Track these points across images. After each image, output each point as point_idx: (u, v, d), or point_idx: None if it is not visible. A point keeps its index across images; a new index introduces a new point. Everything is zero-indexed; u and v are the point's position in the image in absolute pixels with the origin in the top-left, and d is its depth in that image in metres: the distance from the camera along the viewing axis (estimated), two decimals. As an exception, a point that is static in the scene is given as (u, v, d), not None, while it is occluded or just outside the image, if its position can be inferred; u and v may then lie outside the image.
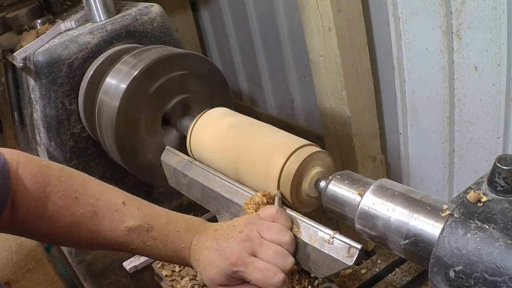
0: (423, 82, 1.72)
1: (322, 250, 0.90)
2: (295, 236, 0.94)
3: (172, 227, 0.96)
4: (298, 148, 1.00)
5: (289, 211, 0.98)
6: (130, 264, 1.64)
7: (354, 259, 0.86)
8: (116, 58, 1.43)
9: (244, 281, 0.90)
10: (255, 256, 0.89)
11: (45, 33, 1.48)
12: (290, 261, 0.89)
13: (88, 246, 0.97)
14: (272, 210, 0.94)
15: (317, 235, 0.91)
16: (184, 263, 0.98)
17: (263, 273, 0.86)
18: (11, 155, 0.91)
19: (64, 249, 1.61)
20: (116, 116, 1.31)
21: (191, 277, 1.56)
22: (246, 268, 0.87)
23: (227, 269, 0.89)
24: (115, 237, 0.94)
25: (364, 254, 0.88)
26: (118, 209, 0.95)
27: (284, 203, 0.99)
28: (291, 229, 0.94)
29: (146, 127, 1.37)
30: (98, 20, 1.52)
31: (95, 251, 1.62)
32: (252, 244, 0.89)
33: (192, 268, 0.98)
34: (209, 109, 1.24)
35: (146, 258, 1.65)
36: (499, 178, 0.67)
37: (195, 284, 1.53)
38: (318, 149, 1.01)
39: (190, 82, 1.40)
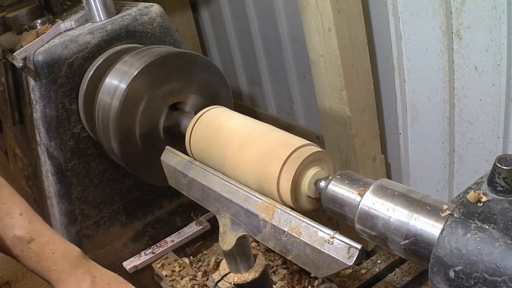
0: (423, 82, 1.72)
1: (322, 250, 0.90)
2: (295, 237, 0.94)
3: (50, 248, 1.06)
4: (298, 148, 0.99)
5: (289, 211, 0.98)
6: (130, 264, 1.65)
7: (354, 259, 0.85)
8: (116, 58, 1.44)
9: None
10: None
11: (45, 33, 1.48)
12: None
13: None
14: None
15: (317, 235, 0.91)
16: (50, 283, 1.07)
17: None
18: None
19: (64, 249, 1.62)
20: (116, 116, 1.31)
21: (191, 277, 1.56)
22: None
23: None
24: (3, 240, 1.06)
25: (364, 254, 0.88)
26: (14, 217, 1.07)
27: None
28: None
29: (146, 126, 1.37)
30: (98, 20, 1.52)
31: (94, 251, 1.62)
32: None
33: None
34: (209, 109, 1.24)
35: (146, 258, 1.66)
36: (499, 178, 0.67)
37: (195, 284, 1.54)
38: (318, 149, 1.01)
39: (190, 81, 1.40)
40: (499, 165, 0.66)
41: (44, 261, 1.04)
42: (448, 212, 0.75)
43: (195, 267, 1.64)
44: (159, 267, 1.63)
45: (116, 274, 1.08)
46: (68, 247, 1.08)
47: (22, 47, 1.44)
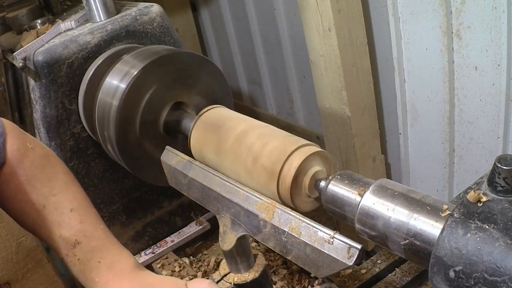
0: (423, 82, 1.72)
1: (322, 250, 0.90)
2: (295, 237, 0.94)
3: (97, 256, 0.93)
4: (298, 148, 0.99)
5: (289, 211, 0.97)
6: (130, 264, 1.64)
7: (354, 259, 0.85)
8: (116, 58, 1.43)
9: None
10: None
11: (45, 33, 1.48)
12: None
13: (33, 233, 0.98)
14: (203, 284, 0.91)
15: (317, 235, 0.91)
16: None
17: None
18: (6, 124, 0.94)
19: (64, 249, 1.62)
20: (116, 116, 1.31)
21: (191, 277, 1.56)
22: None
23: None
24: (49, 239, 0.94)
25: (364, 254, 0.88)
26: (63, 213, 0.94)
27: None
28: None
29: (147, 126, 1.37)
30: (98, 20, 1.52)
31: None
32: None
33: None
34: (209, 109, 1.24)
35: (146, 257, 1.66)
36: (499, 178, 0.67)
37: (195, 284, 1.53)
38: (318, 149, 1.01)
39: (190, 81, 1.40)
40: (499, 165, 0.66)
41: (89, 272, 0.91)
42: (448, 212, 0.75)
43: (195, 267, 1.64)
44: (159, 267, 1.63)
45: (159, 284, 0.93)
46: (118, 255, 0.95)
47: (22, 47, 1.44)
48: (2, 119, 0.94)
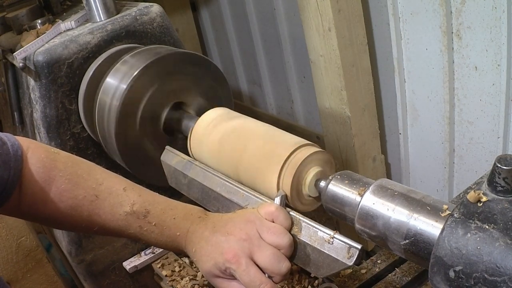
0: (423, 82, 1.72)
1: (322, 250, 0.90)
2: (294, 236, 0.94)
3: (169, 214, 0.99)
4: (298, 148, 1.00)
5: (289, 211, 0.98)
6: (130, 264, 1.65)
7: (354, 259, 0.86)
8: (116, 58, 1.44)
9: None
10: (252, 257, 0.89)
11: (45, 33, 1.48)
12: (286, 265, 0.90)
13: (87, 229, 1.00)
14: (271, 208, 0.95)
15: (317, 235, 0.92)
16: (180, 250, 1.01)
17: (250, 278, 0.88)
18: (23, 141, 0.97)
19: (64, 249, 1.61)
20: (116, 116, 1.31)
21: (191, 277, 1.56)
22: (238, 267, 0.89)
23: (220, 263, 0.90)
24: (114, 221, 0.97)
25: (364, 254, 0.88)
26: (119, 194, 0.98)
27: (285, 203, 0.99)
28: (290, 228, 0.94)
29: (147, 127, 1.37)
30: (98, 20, 1.52)
31: (94, 251, 1.62)
32: (250, 244, 0.90)
33: (188, 256, 1.00)
34: (209, 109, 1.24)
35: (146, 258, 1.66)
36: (499, 178, 0.67)
37: (195, 284, 1.53)
38: (318, 149, 1.01)
39: (190, 82, 1.40)
40: (499, 165, 0.66)
41: (168, 230, 0.97)
42: (448, 212, 0.75)
43: (195, 267, 1.64)
44: (159, 267, 1.63)
45: (234, 215, 0.98)
46: (186, 207, 1.02)
47: (22, 47, 1.44)
48: (17, 137, 0.97)
